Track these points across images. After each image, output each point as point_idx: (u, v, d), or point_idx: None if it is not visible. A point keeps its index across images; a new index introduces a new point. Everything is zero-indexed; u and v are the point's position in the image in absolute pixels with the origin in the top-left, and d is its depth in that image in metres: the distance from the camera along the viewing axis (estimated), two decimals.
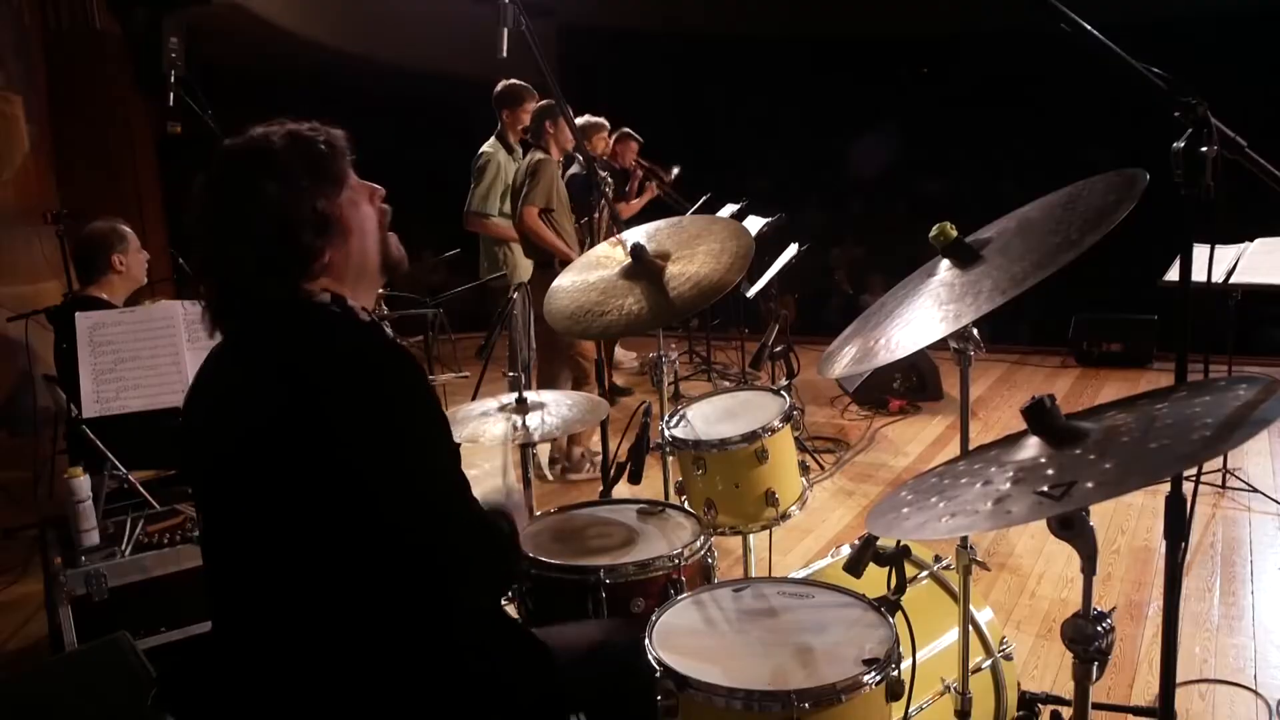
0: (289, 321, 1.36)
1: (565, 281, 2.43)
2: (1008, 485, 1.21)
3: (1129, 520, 3.76)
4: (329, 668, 1.30)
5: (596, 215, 4.90)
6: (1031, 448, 1.28)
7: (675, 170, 6.11)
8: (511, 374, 2.45)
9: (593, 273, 2.40)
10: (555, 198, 4.36)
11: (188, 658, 1.53)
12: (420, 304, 4.28)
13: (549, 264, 4.33)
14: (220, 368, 1.42)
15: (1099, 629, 1.31)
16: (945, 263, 1.66)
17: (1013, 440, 1.35)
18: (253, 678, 1.35)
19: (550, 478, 4.60)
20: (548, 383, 4.49)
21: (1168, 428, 1.19)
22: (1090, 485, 1.12)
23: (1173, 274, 3.89)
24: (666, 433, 2.33)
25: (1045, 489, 1.15)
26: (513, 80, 4.76)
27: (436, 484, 1.32)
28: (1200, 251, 1.55)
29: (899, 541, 1.56)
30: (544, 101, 4.46)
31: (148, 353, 2.78)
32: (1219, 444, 1.12)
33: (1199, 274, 1.54)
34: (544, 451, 4.70)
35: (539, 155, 4.40)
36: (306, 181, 1.35)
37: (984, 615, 2.06)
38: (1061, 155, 7.03)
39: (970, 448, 1.82)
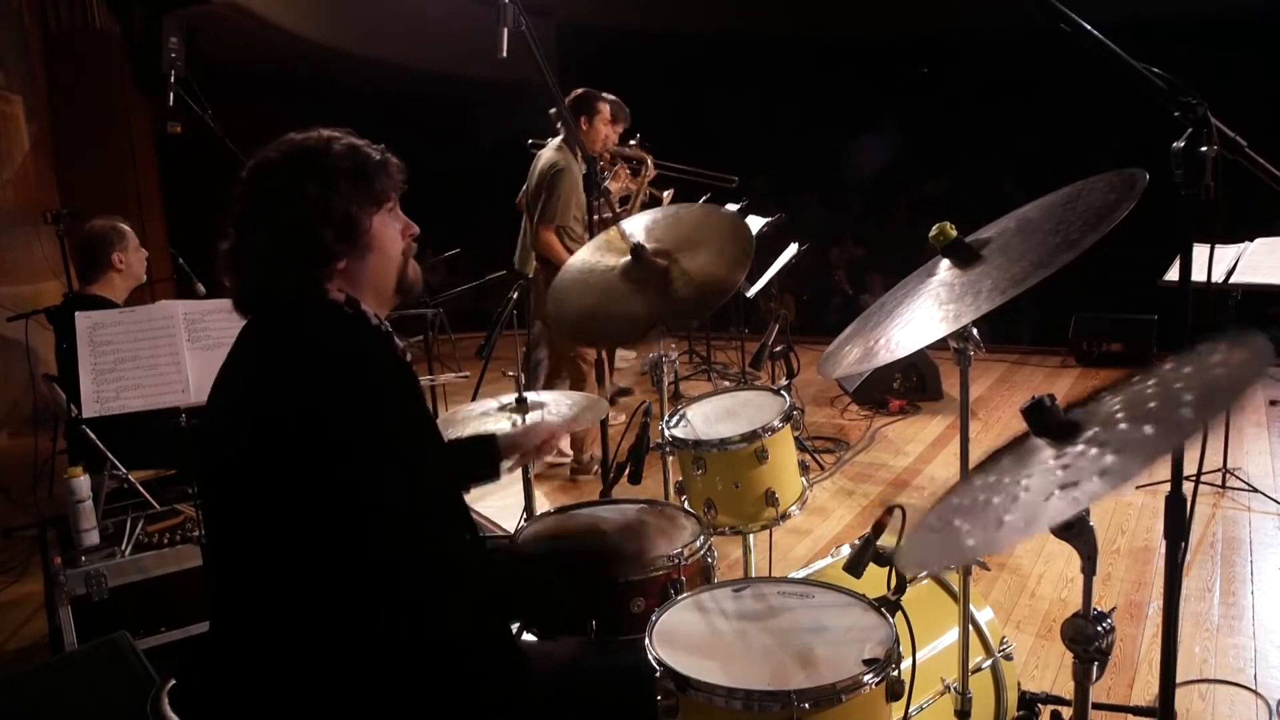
0: (298, 317, 1.37)
1: (566, 282, 2.42)
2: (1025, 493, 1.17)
3: (1129, 520, 3.76)
4: (319, 668, 1.30)
5: (596, 216, 4.83)
6: (1038, 449, 1.26)
7: (669, 193, 5.64)
8: (511, 374, 2.45)
9: (593, 270, 2.40)
10: (573, 210, 4.25)
11: (194, 657, 1.53)
12: (420, 304, 4.27)
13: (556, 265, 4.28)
14: (231, 365, 1.42)
15: (1099, 629, 1.31)
16: (945, 263, 1.66)
17: (1018, 444, 1.33)
18: (247, 677, 1.35)
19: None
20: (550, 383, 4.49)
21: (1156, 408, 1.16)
22: (1095, 480, 1.10)
23: (1172, 274, 3.88)
24: (666, 433, 2.33)
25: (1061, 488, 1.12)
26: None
27: (415, 501, 1.31)
28: (1200, 251, 1.55)
29: (899, 541, 1.56)
30: (579, 91, 4.26)
31: (148, 353, 2.78)
32: (1209, 411, 1.08)
33: (1199, 274, 1.54)
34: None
35: (556, 164, 4.25)
36: (346, 186, 1.38)
37: (984, 615, 2.06)
38: (1061, 155, 7.03)
39: (969, 448, 1.83)
